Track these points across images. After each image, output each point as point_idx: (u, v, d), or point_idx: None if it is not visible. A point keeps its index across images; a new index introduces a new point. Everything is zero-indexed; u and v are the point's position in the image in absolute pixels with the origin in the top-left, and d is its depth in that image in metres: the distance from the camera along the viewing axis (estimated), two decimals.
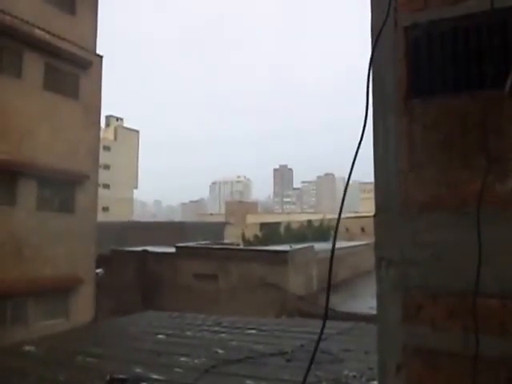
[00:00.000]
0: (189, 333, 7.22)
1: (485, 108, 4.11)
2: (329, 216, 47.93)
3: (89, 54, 17.08)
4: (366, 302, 15.02)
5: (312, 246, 21.68)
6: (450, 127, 4.39)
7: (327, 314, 2.90)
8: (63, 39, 15.89)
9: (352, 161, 3.04)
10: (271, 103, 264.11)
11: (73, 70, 16.47)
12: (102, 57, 17.77)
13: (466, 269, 3.27)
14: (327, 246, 23.50)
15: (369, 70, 4.67)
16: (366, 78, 4.09)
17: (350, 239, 31.92)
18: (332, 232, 35.40)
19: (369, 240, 22.92)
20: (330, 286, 2.90)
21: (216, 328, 7.50)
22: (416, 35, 5.03)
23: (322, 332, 2.45)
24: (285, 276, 18.59)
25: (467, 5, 4.64)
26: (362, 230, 35.61)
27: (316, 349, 2.52)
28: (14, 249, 13.73)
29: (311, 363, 2.57)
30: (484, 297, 2.91)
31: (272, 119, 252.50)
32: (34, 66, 15.15)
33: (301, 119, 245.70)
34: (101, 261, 18.77)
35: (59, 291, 15.37)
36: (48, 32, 15.32)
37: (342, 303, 16.98)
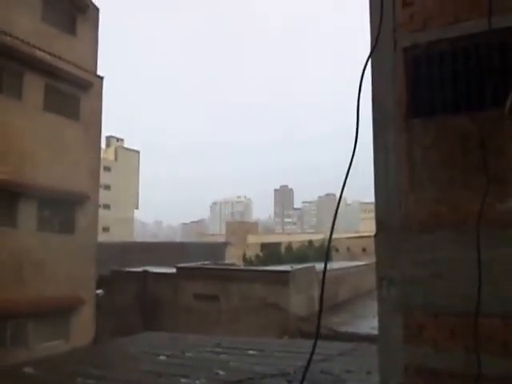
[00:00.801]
0: (189, 354, 7.14)
1: (485, 128, 4.13)
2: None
3: (89, 75, 17.25)
4: (367, 322, 14.87)
5: (313, 266, 21.56)
6: (450, 147, 4.41)
7: (318, 333, 2.89)
8: (64, 60, 16.05)
9: (344, 178, 3.06)
10: (271, 115, 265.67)
11: (73, 90, 16.62)
12: (102, 78, 17.96)
13: (466, 288, 3.25)
14: (329, 266, 23.30)
15: (372, 92, 4.67)
16: (357, 97, 4.07)
17: (352, 259, 31.74)
18: (334, 252, 35.27)
19: (370, 260, 22.78)
20: (322, 305, 2.90)
21: (217, 349, 7.42)
22: (415, 55, 5.08)
23: (313, 352, 2.44)
24: (286, 296, 18.45)
25: (466, 25, 4.70)
26: (363, 250, 35.44)
27: (307, 368, 2.51)
28: (15, 270, 13.66)
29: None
30: (486, 316, 2.89)
31: (271, 131, 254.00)
32: (34, 86, 15.29)
33: (301, 131, 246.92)
34: (101, 281, 18.65)
35: (59, 312, 15.23)
36: (49, 53, 15.48)
37: (344, 324, 16.79)
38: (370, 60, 4.97)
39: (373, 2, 5.91)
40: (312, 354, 2.47)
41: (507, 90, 3.97)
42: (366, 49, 5.59)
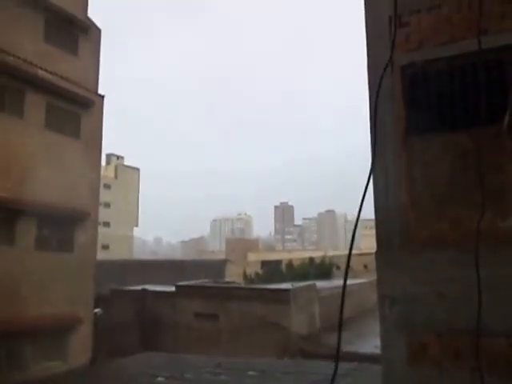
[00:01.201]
0: (188, 375, 7.02)
1: (483, 145, 4.12)
2: (330, 253, 47.53)
3: (90, 94, 17.40)
4: (370, 341, 14.69)
5: (314, 284, 21.40)
6: (449, 164, 4.40)
7: (338, 355, 2.82)
8: (65, 79, 16.22)
9: (360, 201, 3.00)
10: (271, 137, 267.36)
11: (74, 109, 16.74)
12: (103, 96, 18.11)
13: (469, 307, 3.19)
14: (329, 283, 23.16)
15: (370, 110, 4.69)
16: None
17: (353, 276, 31.49)
18: (335, 269, 35.06)
19: (372, 277, 22.61)
20: (341, 326, 2.83)
21: (216, 370, 7.30)
22: (413, 74, 5.12)
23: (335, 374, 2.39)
24: (287, 315, 18.25)
25: (460, 45, 4.75)
26: (365, 266, 35.17)
27: None
28: (11, 289, 13.52)
29: None
30: (489, 336, 2.82)
31: (271, 153, 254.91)
32: (36, 105, 15.41)
33: (301, 150, 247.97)
34: (100, 300, 18.47)
35: (57, 332, 15.04)
36: (50, 72, 15.65)
37: (346, 343, 16.56)
38: (367, 78, 4.99)
39: (369, 22, 5.99)
40: (334, 376, 2.41)
41: (504, 107, 3.98)
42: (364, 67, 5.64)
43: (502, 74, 4.33)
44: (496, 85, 4.38)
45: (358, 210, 3.05)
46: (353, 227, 3.05)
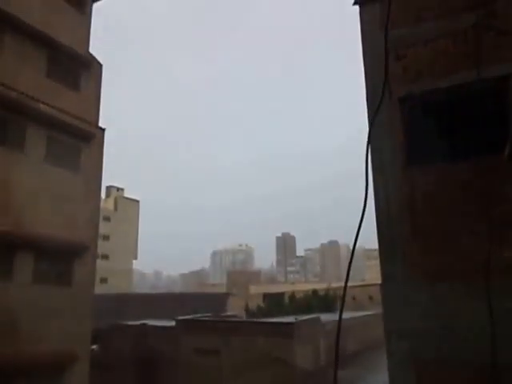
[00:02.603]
0: None
1: (485, 174, 4.02)
2: (334, 285, 46.86)
3: (91, 127, 17.52)
4: (378, 376, 14.25)
5: (318, 318, 20.94)
6: (451, 194, 4.28)
7: None
8: (67, 113, 16.36)
9: (356, 231, 2.90)
10: (270, 169, 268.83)
11: (75, 142, 16.82)
12: (104, 129, 18.24)
13: (481, 340, 3.02)
14: (334, 316, 22.70)
15: (368, 140, 4.64)
16: (365, 149, 4.03)
17: (358, 308, 30.91)
18: (338, 302, 34.39)
19: (377, 309, 22.16)
20: (337, 360, 2.68)
21: None
22: (411, 105, 5.10)
23: None
24: (291, 350, 17.77)
25: (459, 75, 4.73)
26: (370, 298, 34.62)
27: None
28: (6, 325, 13.17)
29: None
30: (504, 369, 2.65)
31: (271, 183, 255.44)
32: (36, 139, 15.48)
33: (300, 179, 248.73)
34: (98, 335, 18.03)
35: (52, 369, 14.58)
36: (52, 106, 15.80)
37: (354, 378, 16.10)
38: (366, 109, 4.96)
39: (366, 57, 6.06)
40: None
41: (504, 137, 3.90)
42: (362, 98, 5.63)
43: (501, 103, 4.30)
44: (495, 114, 4.35)
45: (353, 240, 2.94)
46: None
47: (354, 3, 6.75)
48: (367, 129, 4.85)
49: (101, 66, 18.75)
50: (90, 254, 16.70)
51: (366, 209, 3.25)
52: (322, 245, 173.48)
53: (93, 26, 18.55)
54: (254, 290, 53.87)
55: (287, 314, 26.73)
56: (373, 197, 4.78)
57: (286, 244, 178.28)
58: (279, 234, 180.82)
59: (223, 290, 55.65)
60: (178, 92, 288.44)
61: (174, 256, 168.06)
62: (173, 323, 20.76)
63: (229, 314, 31.46)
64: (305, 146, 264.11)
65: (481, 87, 4.56)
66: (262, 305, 36.97)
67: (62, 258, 15.90)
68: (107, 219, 58.17)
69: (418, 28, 5.58)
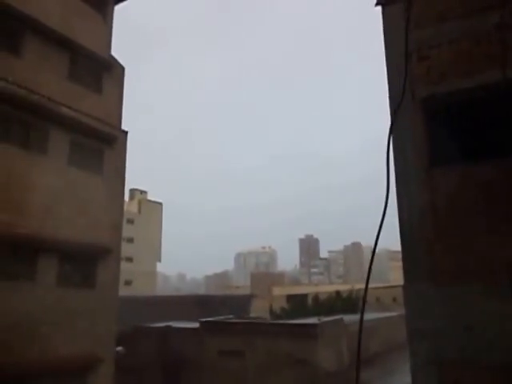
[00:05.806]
0: None
1: (509, 175, 3.86)
2: (357, 286, 46.29)
3: (114, 130, 17.66)
4: (400, 377, 13.99)
5: (341, 319, 20.69)
6: (474, 195, 4.14)
7: None
8: (89, 116, 16.52)
9: (377, 233, 2.79)
10: (294, 170, 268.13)
11: (98, 145, 16.96)
12: (127, 132, 18.37)
13: (506, 341, 2.87)
14: (357, 317, 22.35)
15: (388, 142, 4.50)
16: (386, 150, 3.90)
17: (382, 310, 30.50)
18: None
19: (401, 310, 21.76)
20: (359, 362, 2.52)
21: None
22: (434, 106, 4.95)
23: None
24: (314, 351, 17.61)
25: (482, 76, 4.58)
26: (394, 299, 34.21)
27: None
28: (31, 327, 13.35)
29: None
30: None
31: (294, 184, 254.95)
32: (59, 142, 15.65)
33: (324, 181, 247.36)
34: (122, 338, 18.15)
35: (77, 372, 14.71)
36: (74, 110, 15.96)
37: (375, 380, 15.81)
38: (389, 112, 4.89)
39: (388, 58, 5.94)
40: None
41: None
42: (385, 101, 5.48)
43: None
44: None
45: (374, 242, 2.83)
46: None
47: (377, 4, 6.60)
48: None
49: (123, 68, 18.92)
50: (113, 256, 16.83)
51: (387, 211, 3.14)
52: (346, 246, 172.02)
53: (115, 28, 18.76)
54: (278, 291, 53.63)
55: (311, 315, 26.52)
56: (395, 198, 4.67)
57: (309, 246, 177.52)
58: (302, 236, 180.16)
59: (247, 292, 55.60)
60: (195, 92, 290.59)
61: (198, 259, 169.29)
62: (197, 325, 20.77)
63: (253, 315, 31.36)
64: (330, 146, 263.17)
65: (506, 87, 4.42)
66: (285, 306, 36.83)
67: (86, 261, 16.05)
68: (131, 222, 58.89)
69: (441, 28, 5.51)
